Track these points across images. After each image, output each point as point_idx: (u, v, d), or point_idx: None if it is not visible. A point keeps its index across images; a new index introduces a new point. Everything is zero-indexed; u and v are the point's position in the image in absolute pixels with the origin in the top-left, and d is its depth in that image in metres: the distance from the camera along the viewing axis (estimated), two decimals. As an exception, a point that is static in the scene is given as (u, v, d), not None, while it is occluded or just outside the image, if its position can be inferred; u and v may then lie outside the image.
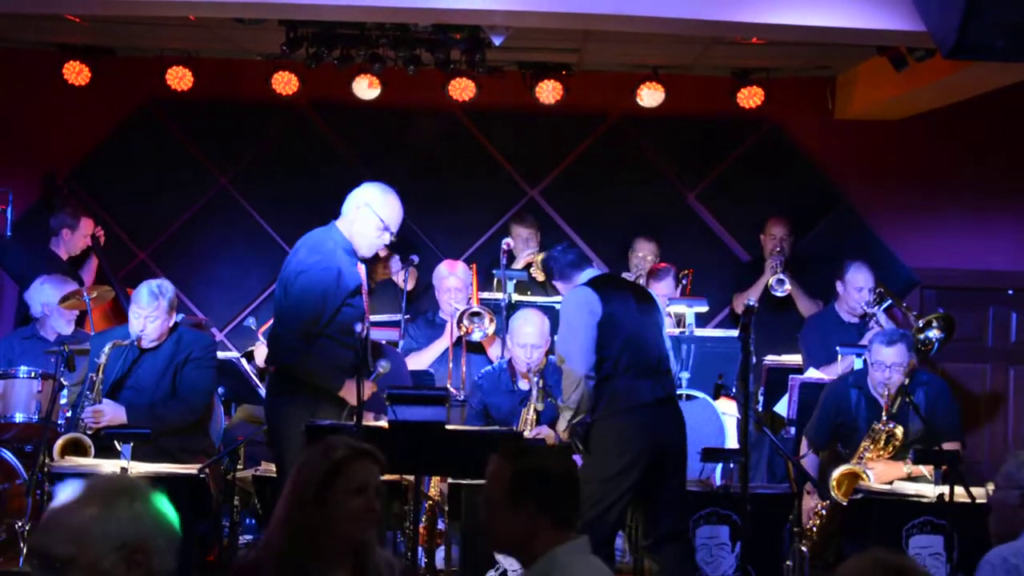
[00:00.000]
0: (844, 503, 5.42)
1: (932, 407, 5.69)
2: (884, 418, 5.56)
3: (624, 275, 7.05)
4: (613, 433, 4.87)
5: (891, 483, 5.48)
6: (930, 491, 5.20)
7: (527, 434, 5.55)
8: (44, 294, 6.60)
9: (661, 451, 4.90)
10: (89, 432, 5.63)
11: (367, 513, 2.95)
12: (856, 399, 5.76)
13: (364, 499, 2.95)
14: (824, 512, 5.57)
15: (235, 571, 3.14)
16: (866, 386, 5.74)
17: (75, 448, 5.63)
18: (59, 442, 5.64)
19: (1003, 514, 3.47)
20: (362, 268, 5.16)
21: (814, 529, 5.57)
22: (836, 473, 5.57)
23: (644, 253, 7.42)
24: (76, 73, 7.43)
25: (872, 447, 5.60)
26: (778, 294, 7.27)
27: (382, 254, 5.46)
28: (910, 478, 5.52)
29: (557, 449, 3.09)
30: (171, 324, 5.75)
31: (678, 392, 6.26)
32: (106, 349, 5.63)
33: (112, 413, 5.60)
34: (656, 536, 4.92)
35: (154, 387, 5.69)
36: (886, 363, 5.57)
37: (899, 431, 5.56)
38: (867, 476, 5.50)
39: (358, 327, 4.90)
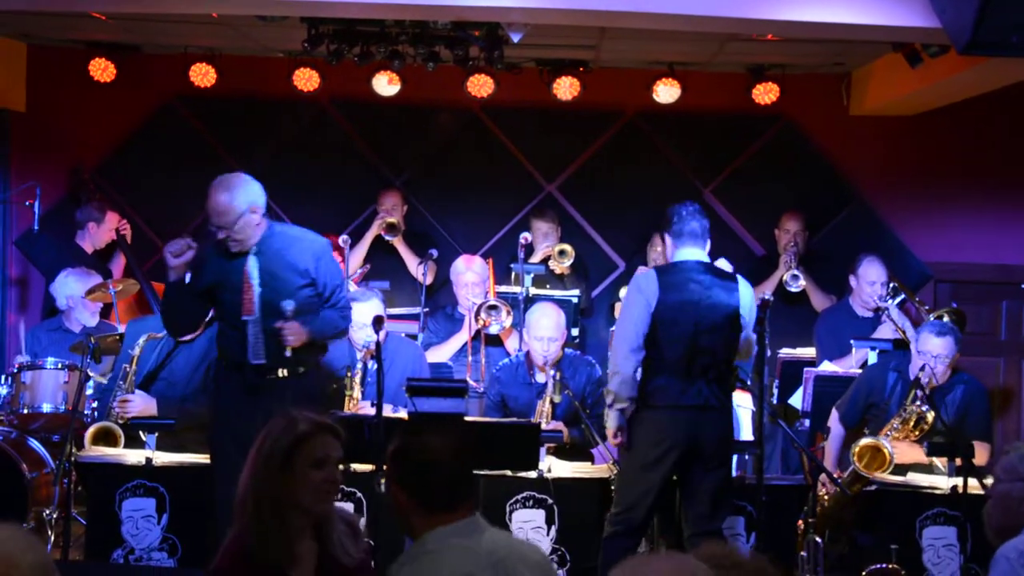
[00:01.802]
0: (865, 475, 5.44)
1: (967, 406, 5.72)
2: (918, 401, 5.57)
3: (640, 269, 7.09)
4: (648, 424, 4.88)
5: (907, 468, 5.50)
6: (944, 483, 5.25)
7: (544, 426, 5.60)
8: (68, 287, 6.69)
9: (692, 451, 4.87)
10: (120, 422, 5.71)
11: (327, 485, 3.07)
12: (893, 382, 5.79)
13: (325, 471, 3.06)
14: (843, 479, 5.56)
15: (217, 564, 3.15)
16: (906, 371, 5.76)
17: (106, 437, 5.74)
18: (91, 430, 5.73)
19: (1008, 507, 3.41)
20: (252, 264, 4.95)
21: (826, 497, 5.60)
22: (859, 444, 5.59)
23: (661, 248, 7.43)
24: (102, 70, 7.50)
25: (901, 426, 5.63)
26: (792, 289, 7.28)
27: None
28: (931, 465, 5.54)
29: (440, 431, 3.02)
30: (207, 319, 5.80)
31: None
32: (140, 341, 5.69)
33: (143, 404, 5.66)
34: (691, 531, 4.93)
35: (187, 380, 5.73)
36: (932, 353, 5.59)
37: (930, 415, 5.58)
38: (888, 451, 5.52)
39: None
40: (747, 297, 5.00)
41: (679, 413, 4.84)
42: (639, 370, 4.92)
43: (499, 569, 2.82)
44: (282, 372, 4.99)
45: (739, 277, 5.06)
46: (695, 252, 4.99)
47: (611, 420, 4.99)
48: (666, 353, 4.87)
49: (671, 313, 4.86)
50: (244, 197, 4.94)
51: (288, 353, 4.94)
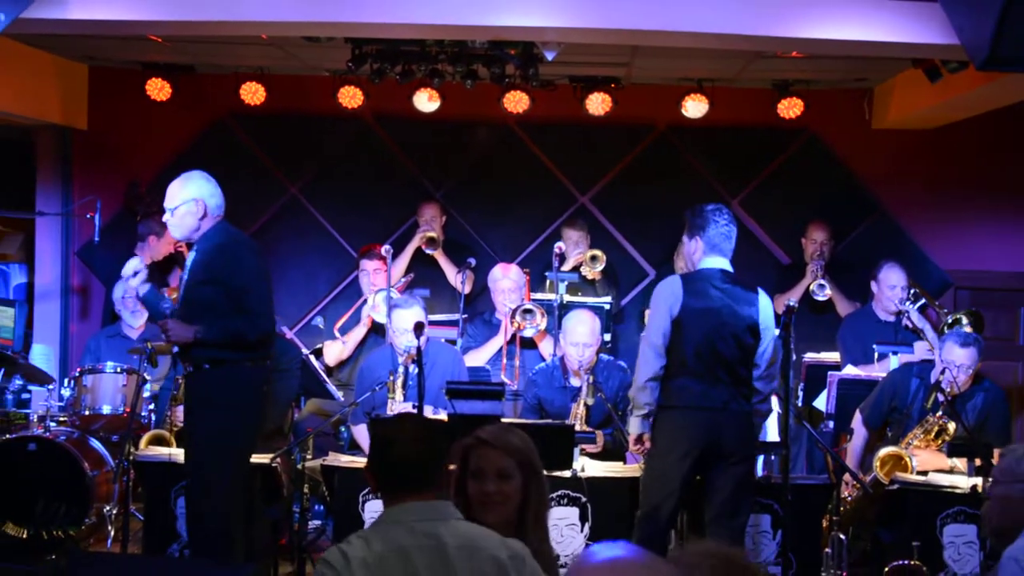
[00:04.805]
0: (884, 482, 5.53)
1: (987, 412, 5.79)
2: (939, 412, 5.65)
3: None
4: (669, 424, 4.92)
5: (927, 473, 5.59)
6: (964, 482, 5.33)
7: (577, 427, 5.72)
8: (118, 290, 6.91)
9: (712, 450, 4.90)
10: (175, 429, 5.94)
11: (481, 496, 3.07)
12: (915, 388, 5.85)
13: (479, 483, 3.08)
14: (857, 491, 5.68)
15: None
16: (927, 378, 5.81)
17: (159, 442, 6.01)
18: (145, 437, 6.00)
19: (1007, 508, 3.40)
20: (190, 258, 5.08)
21: (849, 499, 5.69)
22: (881, 452, 5.68)
23: (683, 250, 7.52)
24: (158, 89, 7.72)
25: (922, 436, 5.71)
26: (819, 298, 7.37)
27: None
28: (952, 471, 5.60)
29: (408, 422, 3.15)
30: None
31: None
32: None
33: None
34: (713, 529, 4.97)
35: None
36: (956, 363, 5.64)
37: (951, 426, 5.65)
38: (910, 460, 5.61)
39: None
40: (767, 310, 5.01)
41: (699, 414, 4.87)
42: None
43: (438, 553, 2.74)
44: (189, 368, 5.01)
45: (760, 291, 5.07)
46: (721, 261, 5.02)
47: (633, 426, 5.00)
48: (688, 356, 4.89)
49: (693, 318, 4.89)
50: (193, 188, 5.06)
51: (188, 349, 4.94)
